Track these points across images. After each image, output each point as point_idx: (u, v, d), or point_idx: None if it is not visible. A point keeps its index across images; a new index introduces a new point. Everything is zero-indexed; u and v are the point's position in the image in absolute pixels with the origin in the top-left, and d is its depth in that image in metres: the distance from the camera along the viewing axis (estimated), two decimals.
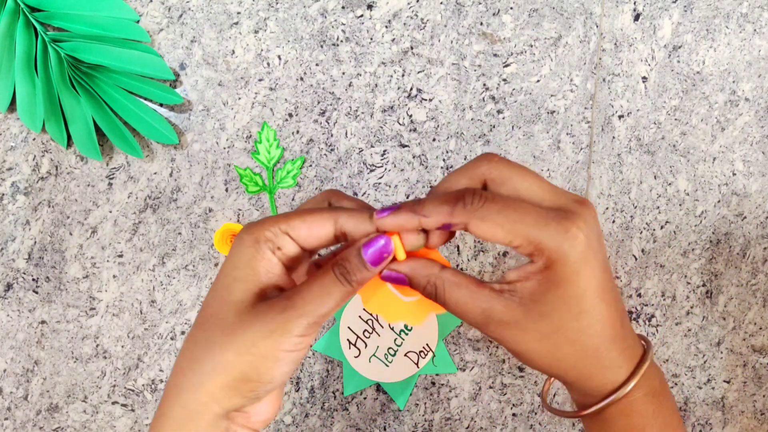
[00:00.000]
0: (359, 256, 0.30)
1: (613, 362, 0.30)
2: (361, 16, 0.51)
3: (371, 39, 0.51)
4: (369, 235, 0.30)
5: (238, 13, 0.50)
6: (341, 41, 0.51)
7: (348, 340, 0.52)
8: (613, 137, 0.52)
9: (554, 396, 0.54)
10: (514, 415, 0.54)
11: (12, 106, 0.50)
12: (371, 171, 0.52)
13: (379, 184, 0.52)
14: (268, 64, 0.51)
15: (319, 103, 0.51)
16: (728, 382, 0.55)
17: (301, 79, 0.51)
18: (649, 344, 0.32)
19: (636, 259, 0.53)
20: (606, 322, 0.30)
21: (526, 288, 0.29)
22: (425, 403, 0.53)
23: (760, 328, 0.54)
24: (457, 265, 0.53)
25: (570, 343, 0.30)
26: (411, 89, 0.51)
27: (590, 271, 0.29)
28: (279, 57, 0.51)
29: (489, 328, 0.30)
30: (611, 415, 0.32)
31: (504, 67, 0.51)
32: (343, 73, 0.51)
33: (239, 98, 0.51)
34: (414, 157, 0.52)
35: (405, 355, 0.53)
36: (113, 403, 0.52)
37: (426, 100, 0.51)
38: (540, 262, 0.29)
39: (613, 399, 0.31)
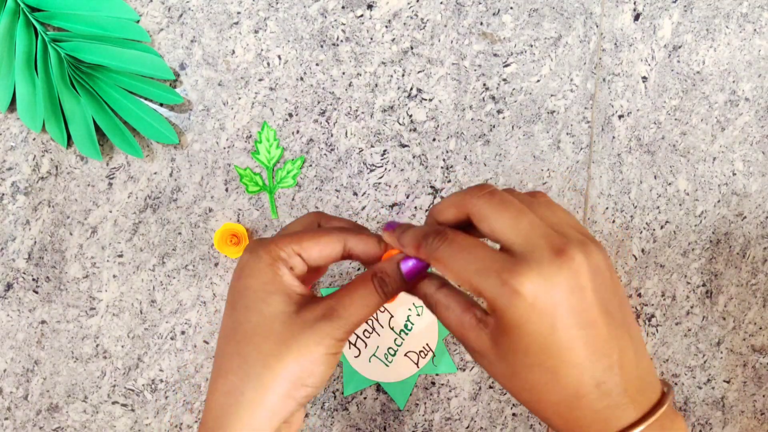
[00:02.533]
0: (398, 270, 0.32)
1: (610, 411, 0.28)
2: (361, 16, 0.51)
3: (371, 39, 0.51)
4: (377, 255, 0.33)
5: (238, 13, 0.50)
6: (341, 41, 0.51)
7: (348, 340, 0.52)
8: (613, 137, 0.52)
9: None
10: (514, 415, 0.54)
11: (12, 106, 0.50)
12: (371, 171, 0.52)
13: (379, 184, 0.52)
14: (268, 64, 0.51)
15: (319, 103, 0.51)
16: (728, 382, 0.55)
17: (301, 79, 0.51)
18: (670, 388, 0.30)
19: (636, 259, 0.53)
20: (574, 375, 0.27)
21: (491, 324, 0.29)
22: (425, 403, 0.53)
23: (760, 328, 0.54)
24: None
25: (534, 390, 0.28)
26: (411, 89, 0.51)
27: (536, 327, 0.27)
28: (279, 57, 0.51)
29: (468, 352, 0.31)
30: None
31: (504, 67, 0.51)
32: (343, 73, 0.51)
33: (239, 98, 0.51)
34: (414, 157, 0.52)
35: (405, 355, 0.53)
36: (113, 403, 0.52)
37: (426, 100, 0.51)
38: (494, 312, 0.28)
39: None
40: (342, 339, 0.31)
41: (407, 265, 0.32)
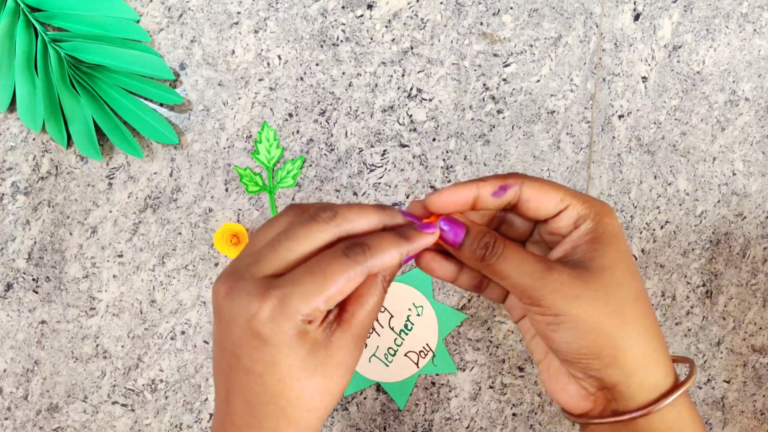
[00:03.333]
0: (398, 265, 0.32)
1: (659, 363, 0.30)
2: (361, 16, 0.51)
3: (371, 39, 0.51)
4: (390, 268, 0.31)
5: (238, 13, 0.50)
6: (341, 41, 0.51)
7: None
8: (613, 137, 0.52)
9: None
10: (514, 415, 0.54)
11: (12, 106, 0.50)
12: (371, 171, 0.52)
13: (379, 184, 0.52)
14: (268, 64, 0.51)
15: (319, 103, 0.51)
16: (728, 382, 0.55)
17: (301, 79, 0.51)
18: (693, 364, 0.32)
19: (636, 259, 0.53)
20: (648, 299, 0.31)
21: (579, 252, 0.31)
22: (425, 403, 0.53)
23: (760, 328, 0.54)
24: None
25: (628, 306, 0.30)
26: (411, 89, 0.51)
27: (625, 247, 0.31)
28: (279, 57, 0.51)
29: (537, 294, 0.30)
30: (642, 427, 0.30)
31: (504, 67, 0.51)
32: (343, 73, 0.51)
33: (239, 98, 0.51)
34: (414, 157, 0.52)
35: (405, 355, 0.53)
36: (113, 403, 0.52)
37: (426, 100, 0.51)
38: (589, 221, 0.31)
39: (657, 407, 0.30)
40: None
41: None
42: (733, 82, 0.52)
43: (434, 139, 0.52)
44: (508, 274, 0.31)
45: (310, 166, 0.51)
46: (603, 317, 0.30)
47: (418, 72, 0.51)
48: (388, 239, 0.30)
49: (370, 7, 0.51)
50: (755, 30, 0.52)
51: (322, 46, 0.51)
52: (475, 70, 0.51)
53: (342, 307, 0.31)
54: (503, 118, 0.52)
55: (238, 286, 0.29)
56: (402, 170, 0.52)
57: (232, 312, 0.29)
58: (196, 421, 0.53)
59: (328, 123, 0.51)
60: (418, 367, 0.53)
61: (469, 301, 0.53)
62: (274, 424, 0.30)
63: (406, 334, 0.53)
